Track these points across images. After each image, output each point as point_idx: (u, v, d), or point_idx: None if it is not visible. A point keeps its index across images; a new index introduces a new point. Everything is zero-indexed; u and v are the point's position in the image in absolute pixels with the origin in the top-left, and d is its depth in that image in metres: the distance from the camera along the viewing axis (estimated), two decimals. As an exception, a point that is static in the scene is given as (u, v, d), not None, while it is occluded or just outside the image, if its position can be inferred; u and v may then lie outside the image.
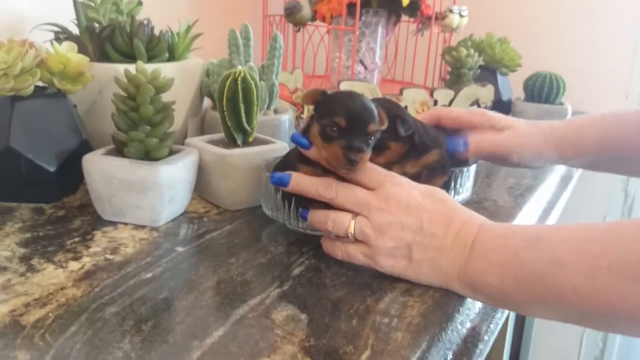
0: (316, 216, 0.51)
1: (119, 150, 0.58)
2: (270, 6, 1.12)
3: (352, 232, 0.48)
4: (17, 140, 0.58)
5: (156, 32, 0.73)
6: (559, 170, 0.90)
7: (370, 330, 0.41)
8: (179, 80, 0.64)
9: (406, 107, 0.90)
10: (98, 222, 0.58)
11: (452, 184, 0.64)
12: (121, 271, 0.47)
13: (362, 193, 0.49)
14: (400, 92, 0.91)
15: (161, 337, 0.39)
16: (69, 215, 0.59)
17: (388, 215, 0.48)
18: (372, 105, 0.49)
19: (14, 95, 0.58)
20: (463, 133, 0.67)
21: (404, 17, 1.12)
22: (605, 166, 0.69)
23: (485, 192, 0.75)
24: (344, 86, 0.87)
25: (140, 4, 0.78)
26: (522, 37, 1.24)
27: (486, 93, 0.92)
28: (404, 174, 0.54)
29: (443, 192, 0.50)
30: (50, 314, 0.40)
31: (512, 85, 1.17)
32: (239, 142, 0.63)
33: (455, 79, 1.02)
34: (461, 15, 1.10)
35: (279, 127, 0.75)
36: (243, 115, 0.61)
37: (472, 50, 1.02)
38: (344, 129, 0.47)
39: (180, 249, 0.53)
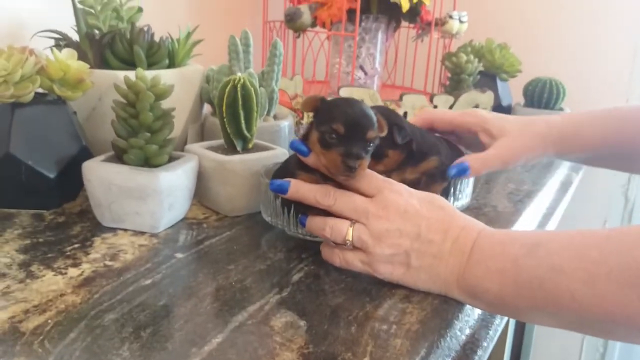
0: (314, 223, 0.51)
1: (119, 157, 0.58)
2: (271, 12, 1.12)
3: (350, 239, 0.48)
4: (17, 147, 0.58)
5: (156, 38, 0.73)
6: (559, 175, 0.90)
7: (369, 337, 0.41)
8: (179, 86, 0.64)
9: (406, 112, 0.91)
10: (97, 228, 0.58)
11: (452, 190, 0.64)
12: (120, 278, 0.48)
13: (360, 200, 0.49)
14: (400, 98, 0.91)
15: (160, 344, 0.39)
16: (69, 221, 0.59)
17: (386, 222, 0.48)
18: (371, 112, 0.49)
19: (14, 102, 0.58)
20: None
21: (404, 23, 1.12)
22: (606, 162, 0.69)
23: (484, 198, 0.75)
24: (344, 92, 0.88)
25: (140, 10, 0.78)
26: (522, 42, 1.24)
27: (486, 99, 0.92)
28: (404, 180, 0.54)
29: (442, 198, 0.50)
30: (49, 321, 0.40)
31: (512, 91, 1.17)
32: (238, 148, 0.63)
33: (455, 85, 1.02)
34: (461, 21, 1.11)
35: (278, 133, 0.75)
36: (243, 121, 0.62)
37: (472, 56, 1.02)
38: (342, 135, 0.47)
39: (179, 255, 0.53)
